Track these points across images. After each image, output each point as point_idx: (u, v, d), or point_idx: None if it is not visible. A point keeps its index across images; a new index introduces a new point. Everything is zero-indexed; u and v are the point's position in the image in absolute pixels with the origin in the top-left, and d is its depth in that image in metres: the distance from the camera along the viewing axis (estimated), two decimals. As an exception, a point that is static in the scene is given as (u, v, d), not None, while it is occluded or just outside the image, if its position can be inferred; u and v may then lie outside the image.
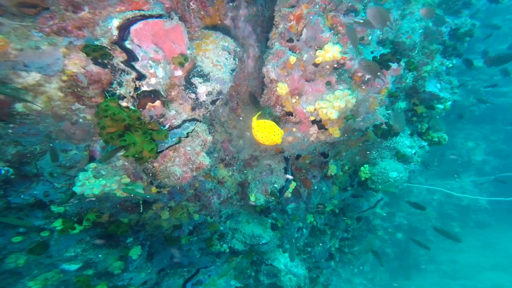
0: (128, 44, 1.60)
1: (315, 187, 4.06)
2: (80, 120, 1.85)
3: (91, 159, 2.04)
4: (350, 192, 5.01)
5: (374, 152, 4.23)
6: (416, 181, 10.60)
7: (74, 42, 1.60)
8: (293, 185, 3.45)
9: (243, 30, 3.23)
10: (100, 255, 2.50)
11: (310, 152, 3.71)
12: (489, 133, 12.42)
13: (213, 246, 3.43)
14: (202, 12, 2.60)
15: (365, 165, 4.17)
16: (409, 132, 4.45)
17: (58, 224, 2.05)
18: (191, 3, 2.37)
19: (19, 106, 1.68)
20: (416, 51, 3.85)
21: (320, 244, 5.26)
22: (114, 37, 1.57)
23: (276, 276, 3.86)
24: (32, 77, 1.62)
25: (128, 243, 2.78)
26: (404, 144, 4.20)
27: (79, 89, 1.74)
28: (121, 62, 1.62)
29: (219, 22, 2.88)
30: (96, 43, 1.57)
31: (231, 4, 2.86)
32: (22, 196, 1.94)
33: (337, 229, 5.71)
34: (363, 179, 4.17)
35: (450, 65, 4.55)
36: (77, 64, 1.65)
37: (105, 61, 1.64)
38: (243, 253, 3.70)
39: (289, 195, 3.45)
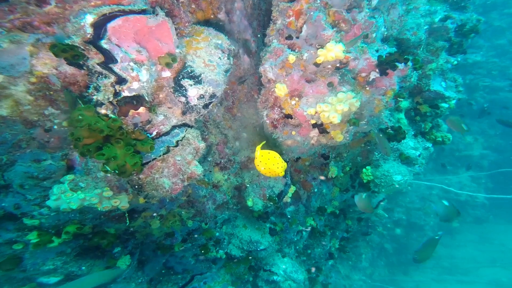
0: (104, 44, 1.40)
1: (315, 190, 3.90)
2: (55, 126, 1.66)
3: (70, 169, 1.85)
4: (351, 193, 4.86)
5: (376, 153, 4.06)
6: (416, 176, 10.49)
7: (43, 40, 1.40)
8: (292, 189, 3.28)
9: (238, 24, 3.02)
10: (83, 267, 2.34)
11: (310, 155, 3.54)
12: (487, 127, 12.32)
13: (209, 253, 3.28)
14: (193, 6, 2.39)
15: (367, 167, 4.00)
16: (413, 133, 4.29)
17: (33, 237, 1.87)
18: (181, -2, 2.16)
19: (-18, 113, 1.49)
20: (421, 49, 3.66)
21: (320, 246, 5.14)
22: (88, 36, 1.37)
23: (275, 283, 3.73)
24: (-4, 79, 1.43)
25: (116, 253, 2.61)
26: (408, 146, 4.04)
27: (51, 92, 1.55)
28: (98, 64, 1.42)
29: (212, 16, 2.66)
30: (67, 41, 1.36)
31: (226, -4, 2.64)
32: (-11, 208, 1.76)
33: (337, 230, 5.58)
34: (365, 181, 4.01)
35: (455, 62, 4.37)
36: (47, 64, 1.46)
37: (80, 62, 1.44)
38: (240, 259, 3.55)
39: (289, 200, 3.29)
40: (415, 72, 3.58)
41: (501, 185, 11.08)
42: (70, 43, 1.34)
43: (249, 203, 3.20)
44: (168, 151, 1.82)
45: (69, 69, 1.53)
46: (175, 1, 2.11)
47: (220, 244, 3.40)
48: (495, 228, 11.46)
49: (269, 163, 2.02)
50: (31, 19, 1.39)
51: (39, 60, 1.46)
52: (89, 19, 1.34)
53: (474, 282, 9.45)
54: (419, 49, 3.47)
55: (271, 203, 3.14)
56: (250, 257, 3.49)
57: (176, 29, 2.18)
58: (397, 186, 3.57)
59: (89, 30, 1.36)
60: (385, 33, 2.73)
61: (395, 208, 10.02)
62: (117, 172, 1.48)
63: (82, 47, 1.37)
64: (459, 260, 10.32)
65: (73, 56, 1.32)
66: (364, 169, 3.93)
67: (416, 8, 3.60)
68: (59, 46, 1.29)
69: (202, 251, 3.19)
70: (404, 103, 4.13)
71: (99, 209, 1.79)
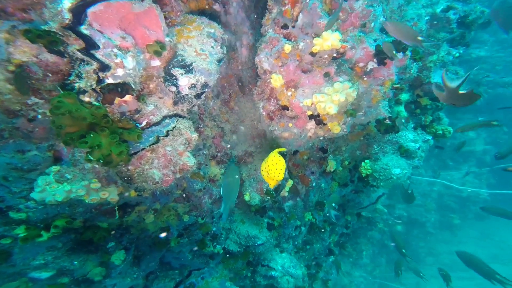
0: (84, 30, 1.34)
1: (314, 184, 3.84)
2: (39, 116, 1.60)
3: (58, 160, 1.80)
4: (350, 188, 4.80)
5: (375, 147, 3.99)
6: (416, 172, 10.44)
7: (19, 27, 1.34)
8: (290, 183, 3.22)
9: (235, 16, 2.95)
10: (75, 262, 2.30)
11: (308, 148, 3.48)
12: (490, 122, 12.11)
13: (206, 248, 3.24)
14: (185, -5, 2.32)
15: (366, 161, 3.94)
16: (412, 126, 4.21)
17: (20, 231, 1.82)
18: (172, -16, 2.09)
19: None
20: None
21: (320, 241, 5.09)
22: (67, 21, 1.30)
23: (273, 278, 3.69)
24: (-31, 68, 1.37)
25: (109, 248, 2.57)
26: (407, 138, 3.97)
27: (33, 81, 1.49)
28: (78, 50, 1.36)
29: (206, 7, 2.59)
30: (44, 28, 1.30)
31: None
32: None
33: (336, 225, 5.53)
34: (363, 175, 3.95)
35: (457, 54, 4.28)
36: (26, 52, 1.39)
37: (61, 49, 1.38)
38: (238, 254, 3.51)
39: (286, 193, 3.23)
40: (415, 63, 3.51)
41: (504, 180, 10.97)
42: (46, 29, 1.28)
43: (246, 198, 3.15)
44: (157, 141, 1.76)
45: (50, 57, 1.46)
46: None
47: (217, 239, 3.35)
48: (496, 224, 11.37)
49: (274, 169, 1.98)
50: (3, 5, 1.33)
51: (17, 48, 1.39)
52: (67, 3, 1.28)
53: (474, 278, 9.38)
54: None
55: (269, 197, 3.09)
56: (248, 252, 3.44)
57: (166, 18, 2.12)
58: (395, 179, 3.50)
59: (67, 16, 1.30)
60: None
61: (396, 204, 9.95)
62: (101, 161, 1.42)
63: (60, 33, 1.31)
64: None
65: (50, 42, 1.26)
66: (363, 163, 3.86)
67: (417, -1, 3.51)
68: (34, 31, 1.22)
69: (199, 246, 3.14)
70: (404, 96, 4.05)
71: (86, 201, 1.74)
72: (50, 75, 1.50)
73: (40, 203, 1.81)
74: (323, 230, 4.52)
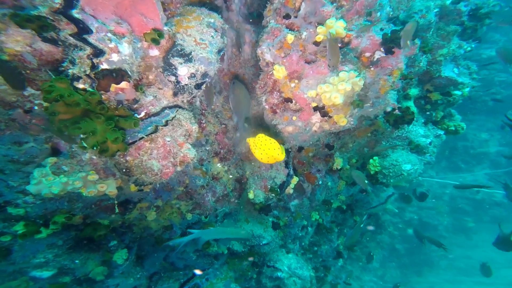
0: (76, 14, 1.30)
1: (320, 182, 3.74)
2: (35, 107, 1.56)
3: (56, 153, 1.76)
4: (359, 187, 4.67)
5: (384, 143, 3.87)
6: (427, 174, 10.17)
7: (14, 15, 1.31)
8: (295, 180, 3.13)
9: (237, 13, 2.92)
10: (77, 261, 2.25)
11: (313, 144, 3.39)
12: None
13: (210, 248, 3.16)
14: (185, -14, 2.29)
15: (374, 157, 3.82)
16: (423, 121, 4.08)
17: (19, 228, 1.78)
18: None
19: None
20: (431, 32, 3.47)
21: (327, 243, 4.96)
22: (57, 6, 1.26)
23: (280, 279, 3.58)
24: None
25: (111, 247, 2.52)
26: (417, 133, 3.84)
27: (28, 71, 1.46)
28: (70, 35, 1.32)
29: (207, 1, 2.56)
30: (33, 12, 1.26)
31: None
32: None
33: (344, 227, 5.38)
34: (372, 172, 3.83)
35: (469, 48, 4.14)
36: (20, 41, 1.36)
37: (55, 37, 1.34)
38: (243, 254, 3.42)
39: (291, 191, 3.14)
40: (424, 56, 3.41)
41: (519, 182, 10.58)
42: (36, 14, 1.24)
43: (250, 196, 3.07)
44: (156, 130, 1.71)
45: (44, 46, 1.43)
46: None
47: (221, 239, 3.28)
48: (513, 227, 10.93)
49: (266, 148, 1.90)
50: None
51: (9, 37, 1.36)
52: (57, -12, 1.24)
53: (494, 284, 9.01)
54: (428, 32, 3.28)
55: (273, 195, 3.00)
56: (253, 252, 3.35)
57: (166, 10, 2.09)
58: (406, 175, 3.37)
59: (58, 0, 1.26)
60: (391, 13, 2.57)
61: (406, 207, 9.70)
62: (95, 149, 1.37)
63: (50, 18, 1.27)
64: (476, 261, 9.86)
65: (41, 26, 1.22)
66: (371, 160, 3.74)
67: (425, -10, 3.42)
68: (22, 15, 1.19)
69: (203, 246, 3.07)
70: (413, 91, 3.93)
71: (84, 194, 1.69)
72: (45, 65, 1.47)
73: (37, 197, 1.77)
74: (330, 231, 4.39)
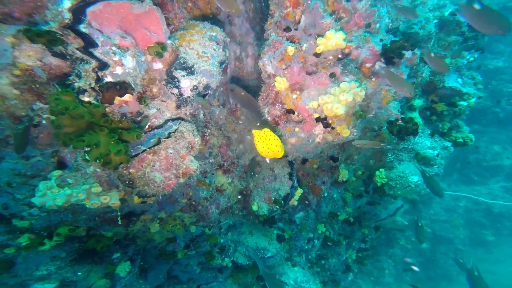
0: (83, 28, 1.36)
1: (325, 194, 3.70)
2: (43, 121, 1.61)
3: (62, 166, 1.79)
4: (366, 199, 4.60)
5: (390, 155, 3.83)
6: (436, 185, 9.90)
7: (26, 30, 1.37)
8: (299, 192, 3.11)
9: (240, 27, 2.99)
10: (79, 273, 2.24)
11: (317, 156, 3.37)
12: (517, 135, 11.53)
13: (213, 260, 3.12)
14: (189, 4, 2.37)
15: (380, 169, 3.78)
16: (429, 132, 4.03)
17: (24, 240, 1.80)
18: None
19: (-32, 107, 1.47)
20: (431, 43, 3.49)
21: (335, 256, 4.84)
22: (66, 21, 1.33)
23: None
24: (-24, 72, 1.41)
25: (115, 259, 2.51)
26: (424, 145, 3.79)
27: (37, 85, 1.51)
28: (77, 49, 1.38)
29: (211, 16, 2.64)
30: (44, 28, 1.33)
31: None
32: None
33: (353, 239, 5.27)
34: (379, 184, 3.77)
35: (472, 58, 4.14)
36: (31, 56, 1.42)
37: (64, 51, 1.40)
38: (247, 268, 3.36)
39: (295, 203, 3.11)
40: (426, 66, 3.41)
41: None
42: (46, 29, 1.31)
43: (254, 208, 3.05)
44: (159, 142, 1.74)
45: (54, 61, 1.49)
46: (169, -5, 2.10)
47: (225, 251, 3.24)
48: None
49: (269, 143, 1.95)
50: (9, 9, 1.38)
51: (22, 51, 1.43)
52: (67, 3, 1.32)
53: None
54: (429, 43, 3.30)
55: (277, 207, 2.97)
56: (258, 265, 3.29)
57: (170, 24, 2.16)
58: (414, 187, 3.31)
59: (67, 15, 1.33)
60: (390, 24, 2.60)
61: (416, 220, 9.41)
62: (98, 161, 1.40)
63: (59, 32, 1.33)
64: (499, 275, 9.41)
65: (50, 40, 1.28)
66: (377, 172, 3.70)
67: (424, 3, 3.47)
68: (33, 30, 1.25)
69: (207, 258, 3.03)
70: (418, 101, 3.92)
71: (87, 206, 1.71)
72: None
73: (41, 209, 1.79)
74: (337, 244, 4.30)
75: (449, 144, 3.91)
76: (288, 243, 3.55)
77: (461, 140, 4.36)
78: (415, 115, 4.02)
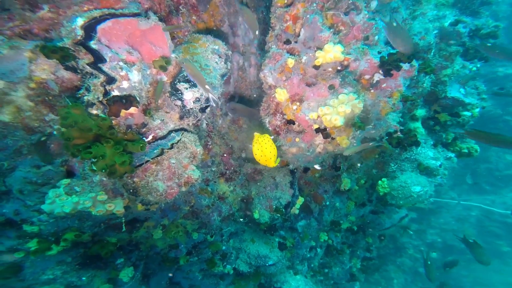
0: (93, 44, 1.46)
1: (327, 203, 3.72)
2: (54, 132, 1.71)
3: (70, 175, 1.88)
4: (369, 208, 4.60)
5: (392, 165, 3.85)
6: (448, 195, 9.77)
7: (43, 46, 1.47)
8: (300, 200, 3.14)
9: (243, 37, 3.08)
10: (84, 278, 2.31)
11: (318, 164, 3.41)
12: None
13: (215, 267, 3.16)
14: (194, 17, 2.46)
15: (383, 179, 3.79)
16: (432, 143, 4.04)
17: (32, 245, 1.88)
18: (180, 7, 2.24)
19: (-15, 118, 1.57)
20: (432, 53, 3.53)
21: (339, 265, 4.83)
22: (78, 37, 1.43)
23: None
24: (-3, 85, 1.51)
25: (118, 264, 2.58)
26: (426, 156, 3.79)
27: (50, 98, 1.61)
28: (87, 64, 1.47)
29: (214, 28, 2.73)
30: (58, 44, 1.43)
31: (226, 8, 2.72)
32: (-11, 214, 1.80)
33: (357, 248, 5.25)
34: (381, 194, 3.78)
35: (474, 68, 4.16)
36: (46, 69, 1.52)
37: (75, 65, 1.49)
38: (249, 275, 3.39)
39: (297, 211, 3.14)
40: (427, 77, 3.44)
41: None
42: (60, 45, 1.41)
43: (256, 215, 3.10)
44: (162, 153, 1.81)
45: (66, 74, 1.59)
46: (175, 11, 2.20)
47: (227, 258, 3.27)
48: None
49: (264, 148, 2.00)
50: (30, 26, 1.48)
51: (38, 65, 1.53)
52: (79, 21, 1.41)
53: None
54: (429, 53, 3.34)
55: (278, 215, 3.01)
56: (259, 273, 3.31)
57: (175, 37, 2.26)
58: (416, 197, 3.31)
59: (79, 32, 1.42)
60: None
61: (427, 230, 9.26)
62: (104, 171, 1.47)
63: (72, 49, 1.43)
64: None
65: (63, 56, 1.37)
66: (380, 181, 3.71)
67: (424, 13, 3.52)
68: (49, 47, 1.35)
69: (208, 265, 3.08)
70: (420, 111, 3.93)
71: (93, 213, 1.78)
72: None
73: (50, 215, 1.88)
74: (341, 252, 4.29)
75: (452, 154, 3.91)
76: (290, 251, 3.57)
77: (465, 150, 4.35)
78: (418, 125, 4.04)
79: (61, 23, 1.47)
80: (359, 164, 3.83)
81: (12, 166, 1.68)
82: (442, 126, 4.25)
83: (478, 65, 4.24)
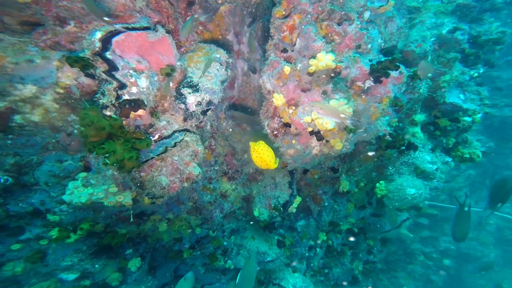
0: (108, 55, 1.69)
1: (326, 204, 3.86)
2: (75, 131, 1.95)
3: (87, 169, 2.12)
4: (369, 210, 4.69)
5: (390, 168, 3.96)
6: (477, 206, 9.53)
7: (67, 56, 1.72)
8: (298, 200, 3.30)
9: (248, 45, 3.29)
10: (96, 266, 2.54)
11: (317, 167, 3.57)
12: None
13: (216, 261, 3.35)
14: (200, 27, 2.69)
15: (381, 181, 3.90)
16: (430, 147, 4.13)
17: (54, 233, 2.12)
18: (187, 18, 2.47)
19: (17, 118, 1.82)
20: (429, 60, 3.65)
21: (339, 266, 4.92)
22: (97, 49, 1.67)
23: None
24: (29, 90, 1.76)
25: (127, 255, 2.80)
26: (424, 160, 3.89)
27: (72, 101, 1.85)
28: (103, 72, 1.71)
29: (220, 37, 2.95)
30: (80, 54, 1.67)
31: (231, 18, 2.93)
32: (20, 204, 2.05)
33: (358, 251, 5.32)
34: (379, 196, 3.89)
35: (476, 74, 4.24)
36: (69, 76, 1.77)
37: (93, 73, 1.73)
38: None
39: (294, 210, 3.30)
40: (423, 83, 3.56)
41: None
42: (82, 55, 1.65)
43: (256, 213, 3.27)
44: (165, 150, 2.02)
45: (86, 80, 1.83)
46: (182, 22, 2.43)
47: (228, 254, 3.46)
48: None
49: (261, 153, 2.18)
50: (58, 38, 1.73)
51: (64, 73, 1.78)
52: (98, 35, 1.65)
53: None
54: (425, 60, 3.46)
55: (276, 213, 3.18)
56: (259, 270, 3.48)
57: (181, 46, 2.49)
58: (410, 199, 3.42)
59: (98, 44, 1.66)
60: (383, 44, 2.82)
61: (440, 237, 9.08)
62: (115, 165, 1.69)
63: (91, 58, 1.67)
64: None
65: (84, 65, 1.61)
66: (377, 184, 3.83)
67: (422, 21, 3.66)
68: (73, 57, 1.59)
69: (210, 259, 3.26)
70: (419, 117, 4.04)
71: (105, 203, 2.00)
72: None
73: (69, 205, 2.11)
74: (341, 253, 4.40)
75: (449, 159, 3.99)
76: (289, 249, 3.72)
77: (467, 156, 4.41)
78: (417, 129, 4.15)
79: (83, 36, 1.72)
80: (357, 169, 3.96)
81: (40, 161, 1.93)
82: (442, 131, 4.33)
83: (481, 71, 4.32)
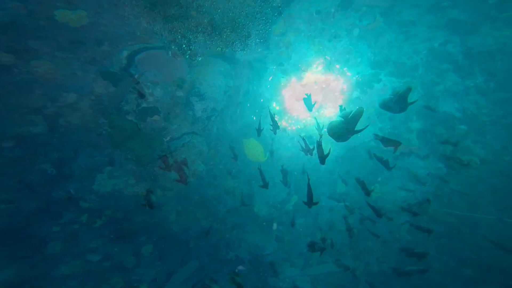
0: (132, 70, 2.10)
1: (323, 204, 4.14)
2: (104, 132, 2.37)
3: (112, 163, 2.54)
4: (367, 212, 4.91)
5: (385, 172, 4.21)
6: (482, 211, 9.30)
7: (101, 69, 2.15)
8: (294, 198, 3.62)
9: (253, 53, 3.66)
10: (116, 249, 2.94)
11: (315, 169, 3.87)
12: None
13: (219, 252, 3.69)
14: (207, 42, 3.09)
15: (375, 184, 4.16)
16: (425, 153, 4.35)
17: (84, 218, 2.55)
18: (198, 35, 2.87)
19: (61, 120, 2.26)
20: (419, 71, 3.90)
21: (337, 263, 5.13)
22: (123, 64, 2.09)
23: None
24: (72, 97, 2.20)
25: (141, 241, 3.19)
26: (417, 165, 4.13)
27: (102, 107, 2.28)
28: (127, 84, 2.12)
29: (227, 50, 3.33)
30: (111, 69, 2.09)
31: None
32: (60, 192, 2.48)
33: (357, 251, 5.52)
34: (373, 198, 4.15)
35: (472, 84, 4.43)
36: (101, 87, 2.20)
37: (119, 84, 2.15)
38: (248, 262, 3.87)
39: (291, 207, 3.62)
40: (415, 92, 3.82)
41: None
42: (112, 70, 2.07)
43: (256, 209, 3.61)
44: (175, 149, 2.41)
45: (113, 90, 2.25)
46: (192, 39, 2.83)
47: (230, 246, 3.80)
48: None
49: (252, 148, 2.53)
50: (95, 55, 2.17)
51: (97, 84, 2.21)
52: (125, 53, 2.08)
53: None
54: (417, 71, 3.72)
55: (274, 210, 3.50)
56: (258, 261, 3.79)
57: (193, 59, 2.90)
58: (401, 201, 3.66)
59: (124, 61, 2.08)
60: (373, 57, 3.12)
61: (455, 244, 8.76)
62: (134, 160, 2.09)
63: (118, 73, 2.09)
64: None
65: (114, 79, 2.03)
66: (372, 187, 4.10)
67: (416, 34, 3.92)
68: (105, 72, 2.01)
69: (214, 251, 3.61)
70: (415, 124, 4.28)
71: (125, 192, 2.41)
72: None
73: (97, 194, 2.53)
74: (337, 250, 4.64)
75: (442, 165, 4.20)
76: (288, 245, 4.02)
77: (465, 163, 4.58)
78: (412, 136, 4.38)
79: (114, 54, 2.15)
80: (355, 172, 4.22)
81: (76, 156, 2.36)
82: (438, 139, 4.53)
83: (477, 81, 4.50)
